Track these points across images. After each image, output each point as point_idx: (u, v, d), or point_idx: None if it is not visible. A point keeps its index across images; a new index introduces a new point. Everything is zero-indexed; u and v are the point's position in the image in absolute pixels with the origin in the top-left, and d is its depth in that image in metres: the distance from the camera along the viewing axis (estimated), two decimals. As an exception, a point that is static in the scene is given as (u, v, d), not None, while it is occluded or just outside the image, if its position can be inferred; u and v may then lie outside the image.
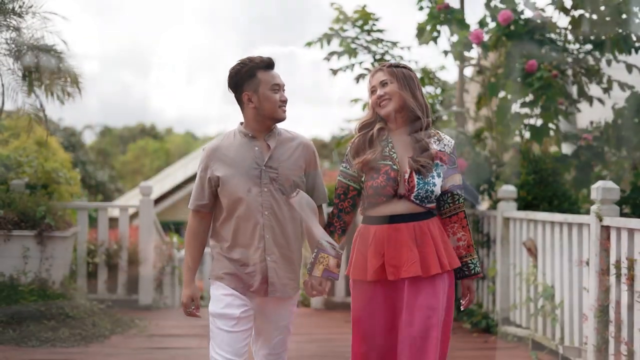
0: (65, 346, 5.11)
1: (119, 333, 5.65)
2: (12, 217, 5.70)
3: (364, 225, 2.84)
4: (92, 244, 6.75)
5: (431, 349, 2.66)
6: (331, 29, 6.67)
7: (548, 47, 6.12)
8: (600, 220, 4.07)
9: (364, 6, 6.64)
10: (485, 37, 6.25)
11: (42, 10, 5.91)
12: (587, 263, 4.25)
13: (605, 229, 4.07)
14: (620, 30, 6.01)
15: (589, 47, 6.36)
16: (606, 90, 6.37)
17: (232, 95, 2.90)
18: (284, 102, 2.84)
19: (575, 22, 6.20)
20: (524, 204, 5.72)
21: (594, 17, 6.14)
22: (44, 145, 6.74)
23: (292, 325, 2.97)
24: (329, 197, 3.16)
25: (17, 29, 5.88)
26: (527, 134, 6.55)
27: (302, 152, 2.88)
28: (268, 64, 2.82)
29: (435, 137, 2.83)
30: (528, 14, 6.26)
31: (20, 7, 5.87)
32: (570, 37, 6.39)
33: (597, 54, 6.29)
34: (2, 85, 5.89)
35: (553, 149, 6.80)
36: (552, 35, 6.30)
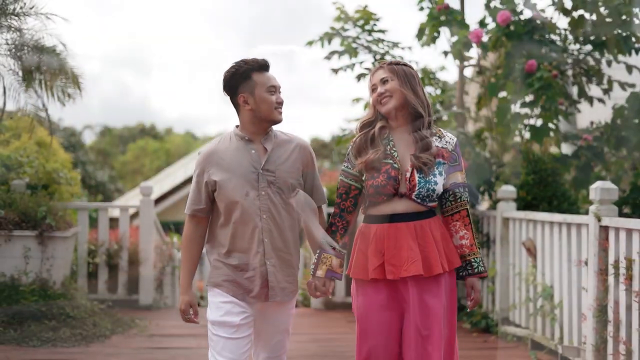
0: (66, 346, 5.13)
1: (120, 333, 5.66)
2: (13, 218, 5.71)
3: (365, 224, 2.83)
4: (93, 244, 6.77)
5: (435, 349, 2.67)
6: (332, 28, 6.68)
7: (548, 47, 6.13)
8: (599, 220, 4.09)
9: (366, 6, 6.65)
10: (485, 38, 6.26)
11: (43, 11, 5.93)
12: (586, 263, 4.26)
13: (604, 229, 4.08)
14: (620, 31, 6.02)
15: (589, 47, 6.37)
16: (606, 91, 6.38)
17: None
18: (280, 104, 2.81)
19: (575, 23, 6.21)
20: (524, 204, 5.73)
21: (594, 17, 6.15)
22: (49, 145, 6.76)
23: (291, 326, 2.96)
24: (331, 197, 3.17)
25: (18, 30, 5.89)
26: (527, 134, 6.56)
27: (299, 154, 2.86)
28: (263, 66, 2.80)
29: (437, 135, 2.82)
30: (528, 14, 6.27)
31: (21, 8, 5.89)
32: (570, 37, 6.40)
33: (597, 54, 6.30)
34: (4, 86, 5.91)
35: (553, 149, 6.81)
36: (552, 36, 6.31)
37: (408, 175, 2.74)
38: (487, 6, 6.32)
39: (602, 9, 6.07)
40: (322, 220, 2.92)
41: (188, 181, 15.89)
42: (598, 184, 4.17)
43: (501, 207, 5.66)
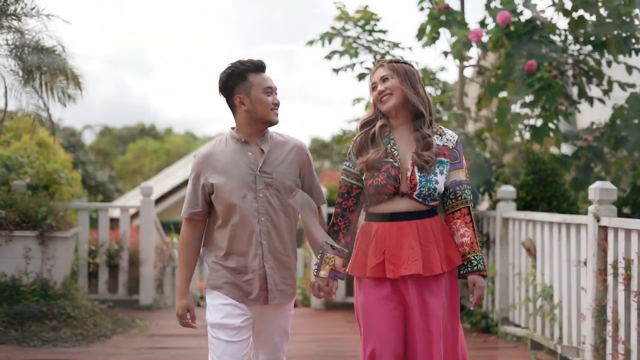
0: (67, 346, 5.14)
1: (120, 333, 5.68)
2: (13, 218, 5.72)
3: (366, 222, 2.83)
4: (93, 245, 6.78)
5: (435, 348, 2.67)
6: (333, 28, 6.69)
7: (548, 48, 6.14)
8: (598, 220, 4.10)
9: (366, 6, 6.66)
10: (485, 38, 6.27)
11: (44, 12, 5.94)
12: (585, 263, 4.27)
13: (603, 229, 4.09)
14: (619, 32, 6.03)
15: (589, 48, 6.38)
16: (606, 91, 6.39)
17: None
18: (277, 105, 2.79)
19: (576, 24, 6.22)
20: (523, 205, 5.74)
21: (594, 18, 6.15)
22: (52, 145, 6.76)
23: (290, 327, 2.95)
24: (331, 197, 3.17)
25: (19, 31, 5.90)
26: (527, 135, 6.56)
27: (295, 156, 2.84)
28: (259, 67, 2.77)
29: (438, 133, 2.81)
30: (528, 15, 6.28)
31: (22, 9, 5.90)
32: (570, 38, 6.41)
33: (597, 55, 6.31)
34: (5, 87, 5.92)
35: (553, 149, 6.81)
36: (552, 37, 6.32)
37: (409, 174, 2.73)
38: (487, 6, 6.33)
39: (602, 10, 6.08)
40: (322, 221, 2.91)
41: (188, 181, 15.89)
42: (597, 184, 4.18)
43: (501, 207, 5.67)
